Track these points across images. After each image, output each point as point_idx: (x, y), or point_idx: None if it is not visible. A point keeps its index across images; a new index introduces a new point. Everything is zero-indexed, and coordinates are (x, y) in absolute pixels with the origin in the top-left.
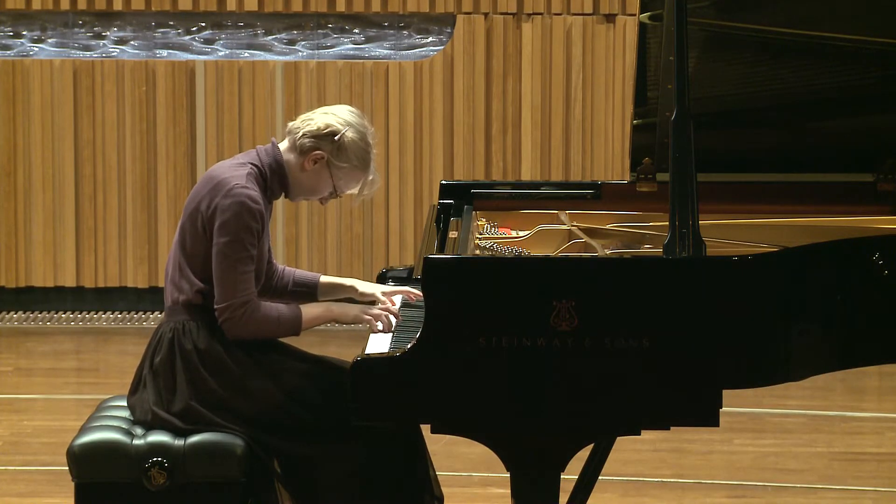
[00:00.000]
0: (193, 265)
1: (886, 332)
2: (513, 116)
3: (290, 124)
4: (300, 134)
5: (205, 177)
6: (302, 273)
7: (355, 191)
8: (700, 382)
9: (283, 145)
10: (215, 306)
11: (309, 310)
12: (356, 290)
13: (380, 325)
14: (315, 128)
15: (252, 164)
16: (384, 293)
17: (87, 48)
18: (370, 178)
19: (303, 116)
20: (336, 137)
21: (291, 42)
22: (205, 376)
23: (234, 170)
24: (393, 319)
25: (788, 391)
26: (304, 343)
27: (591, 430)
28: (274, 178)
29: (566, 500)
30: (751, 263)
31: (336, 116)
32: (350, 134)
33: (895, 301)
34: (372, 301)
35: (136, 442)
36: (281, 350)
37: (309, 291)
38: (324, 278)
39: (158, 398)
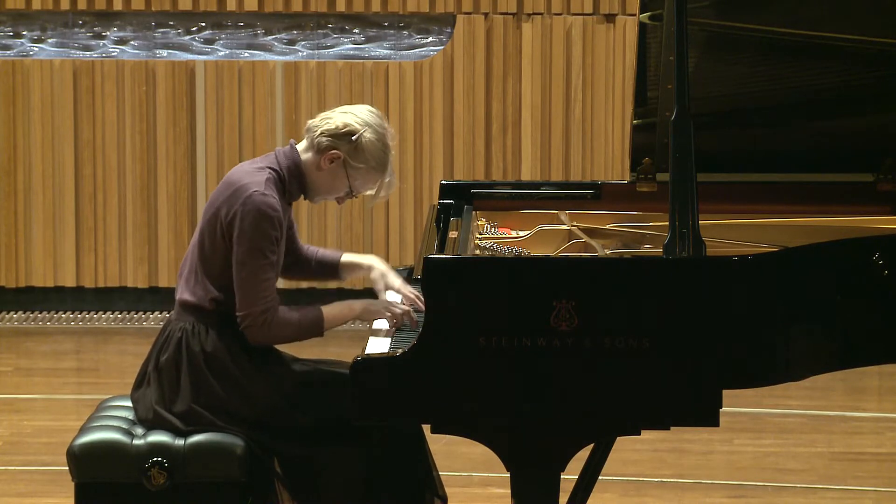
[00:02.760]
0: (211, 271)
1: (886, 332)
2: (513, 116)
3: (310, 122)
4: (318, 132)
5: (224, 181)
6: (324, 252)
7: (373, 191)
8: (700, 382)
9: (302, 144)
10: (237, 313)
11: (329, 310)
12: (372, 268)
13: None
14: (333, 127)
15: (270, 168)
16: (400, 289)
17: (87, 48)
18: (387, 179)
19: (322, 115)
20: (354, 137)
21: (291, 42)
22: (208, 379)
23: (253, 175)
24: (414, 315)
25: (788, 391)
26: (305, 342)
27: (591, 430)
28: (293, 181)
29: (566, 500)
30: (751, 263)
31: (355, 116)
32: (368, 135)
33: (895, 301)
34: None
35: (137, 442)
36: (281, 355)
37: (331, 270)
38: (345, 257)
39: (161, 397)
